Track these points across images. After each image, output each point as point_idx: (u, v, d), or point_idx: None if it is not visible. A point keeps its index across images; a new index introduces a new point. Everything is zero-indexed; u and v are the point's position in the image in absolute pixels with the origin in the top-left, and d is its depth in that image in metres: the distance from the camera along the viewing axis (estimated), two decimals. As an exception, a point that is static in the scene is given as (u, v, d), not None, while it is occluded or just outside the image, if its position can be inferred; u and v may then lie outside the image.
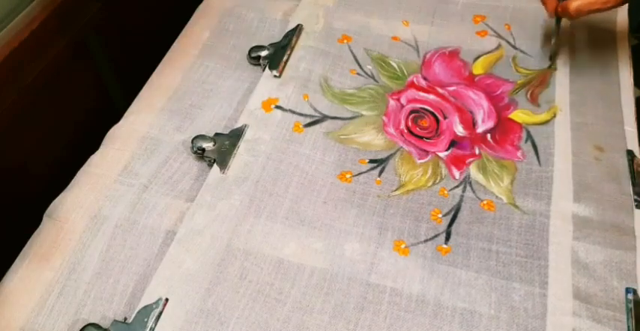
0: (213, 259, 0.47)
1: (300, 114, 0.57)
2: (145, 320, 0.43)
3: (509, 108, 0.58)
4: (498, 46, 0.64)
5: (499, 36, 0.65)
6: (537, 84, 0.60)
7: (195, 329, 0.43)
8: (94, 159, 0.54)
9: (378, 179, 0.53)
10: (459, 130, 0.57)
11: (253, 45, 0.63)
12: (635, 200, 0.51)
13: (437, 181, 0.53)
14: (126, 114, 0.58)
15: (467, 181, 0.53)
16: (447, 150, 0.55)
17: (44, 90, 0.59)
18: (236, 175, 0.52)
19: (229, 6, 0.69)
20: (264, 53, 0.62)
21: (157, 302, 0.44)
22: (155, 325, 0.43)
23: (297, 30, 0.64)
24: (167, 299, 0.44)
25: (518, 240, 0.49)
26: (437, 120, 0.58)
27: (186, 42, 0.65)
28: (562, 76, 0.61)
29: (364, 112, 0.58)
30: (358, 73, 0.62)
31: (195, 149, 0.53)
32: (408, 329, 0.44)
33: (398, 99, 0.59)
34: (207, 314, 0.44)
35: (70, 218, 0.49)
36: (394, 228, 0.49)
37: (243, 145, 0.54)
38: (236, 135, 0.55)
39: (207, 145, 0.53)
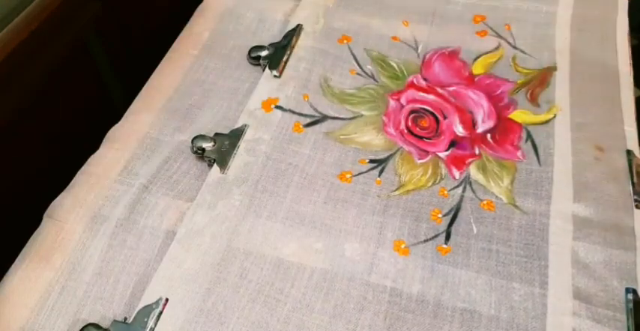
0: (213, 259, 0.47)
1: (300, 114, 0.57)
2: (145, 320, 0.43)
3: (509, 108, 0.58)
4: (498, 46, 0.64)
5: (499, 36, 0.65)
6: (537, 84, 0.60)
7: (195, 329, 0.43)
8: (94, 159, 0.54)
9: (378, 179, 0.53)
10: (459, 130, 0.57)
11: (253, 45, 0.63)
12: (635, 200, 0.51)
13: (437, 181, 0.53)
14: (126, 114, 0.58)
15: (467, 181, 0.53)
16: (446, 150, 0.55)
17: (44, 90, 0.59)
18: (236, 175, 0.52)
19: (229, 6, 0.69)
20: (264, 53, 0.62)
21: (156, 302, 0.44)
22: (155, 325, 0.43)
23: (297, 30, 0.64)
24: (167, 299, 0.44)
25: (518, 239, 0.49)
26: (437, 121, 0.58)
27: (186, 42, 0.65)
28: (562, 76, 0.61)
29: (364, 112, 0.58)
30: (358, 73, 0.62)
31: (195, 149, 0.53)
32: (408, 329, 0.44)
33: (398, 100, 0.59)
34: (207, 314, 0.44)
35: (70, 218, 0.49)
36: (394, 228, 0.49)
37: (243, 145, 0.54)
38: (236, 135, 0.55)
39: (207, 145, 0.53)
